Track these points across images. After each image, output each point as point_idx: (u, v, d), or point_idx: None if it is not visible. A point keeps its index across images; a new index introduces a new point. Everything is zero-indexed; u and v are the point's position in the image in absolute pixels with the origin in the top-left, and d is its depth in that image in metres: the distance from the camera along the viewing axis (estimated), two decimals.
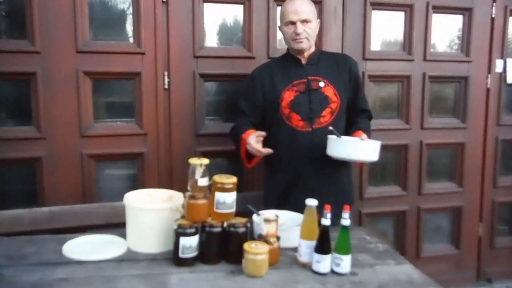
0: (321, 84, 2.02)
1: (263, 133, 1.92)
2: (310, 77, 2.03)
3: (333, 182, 2.04)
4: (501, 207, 3.20)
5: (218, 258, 1.55)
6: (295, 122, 1.99)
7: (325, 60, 2.10)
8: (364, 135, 1.90)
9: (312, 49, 2.08)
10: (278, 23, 2.11)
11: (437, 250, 3.08)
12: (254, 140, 1.88)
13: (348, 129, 2.05)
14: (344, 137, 1.89)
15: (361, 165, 2.08)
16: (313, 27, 2.00)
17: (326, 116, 2.00)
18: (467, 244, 3.11)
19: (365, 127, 2.05)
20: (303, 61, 2.06)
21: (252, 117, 2.09)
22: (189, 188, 1.57)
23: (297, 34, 1.96)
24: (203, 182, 1.55)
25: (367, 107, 2.15)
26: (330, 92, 2.01)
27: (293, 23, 1.97)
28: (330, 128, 1.89)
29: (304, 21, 1.97)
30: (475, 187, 3.09)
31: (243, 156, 2.03)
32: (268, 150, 1.89)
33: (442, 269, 3.04)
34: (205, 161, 1.56)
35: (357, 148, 1.83)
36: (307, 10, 1.98)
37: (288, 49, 2.11)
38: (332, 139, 1.87)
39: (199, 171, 1.55)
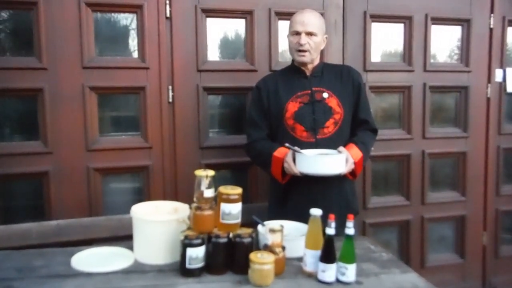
0: (325, 95, 2.05)
1: (298, 149, 1.91)
2: (314, 88, 2.06)
3: (337, 193, 2.05)
4: (505, 215, 3.19)
5: (225, 268, 1.57)
6: (299, 133, 2.02)
7: (329, 72, 2.12)
8: (342, 148, 1.93)
9: (317, 61, 2.11)
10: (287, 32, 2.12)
11: (441, 260, 3.07)
12: (291, 159, 1.90)
13: None
14: (305, 152, 1.89)
15: (350, 176, 2.07)
16: (317, 41, 2.03)
17: (329, 127, 2.02)
18: (471, 254, 3.11)
19: (360, 139, 2.05)
20: (307, 73, 2.09)
21: (267, 128, 2.11)
22: (195, 199, 1.60)
23: (300, 45, 2.00)
24: (209, 193, 1.58)
25: (369, 118, 2.14)
26: (333, 103, 2.04)
27: (298, 33, 2.01)
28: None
29: (309, 34, 2.00)
30: (478, 196, 3.09)
31: (278, 174, 2.01)
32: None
33: (448, 278, 3.03)
34: (211, 172, 1.59)
35: (313, 163, 1.85)
36: (314, 23, 2.01)
37: (292, 61, 2.14)
38: (297, 155, 1.88)
39: (205, 183, 1.58)
